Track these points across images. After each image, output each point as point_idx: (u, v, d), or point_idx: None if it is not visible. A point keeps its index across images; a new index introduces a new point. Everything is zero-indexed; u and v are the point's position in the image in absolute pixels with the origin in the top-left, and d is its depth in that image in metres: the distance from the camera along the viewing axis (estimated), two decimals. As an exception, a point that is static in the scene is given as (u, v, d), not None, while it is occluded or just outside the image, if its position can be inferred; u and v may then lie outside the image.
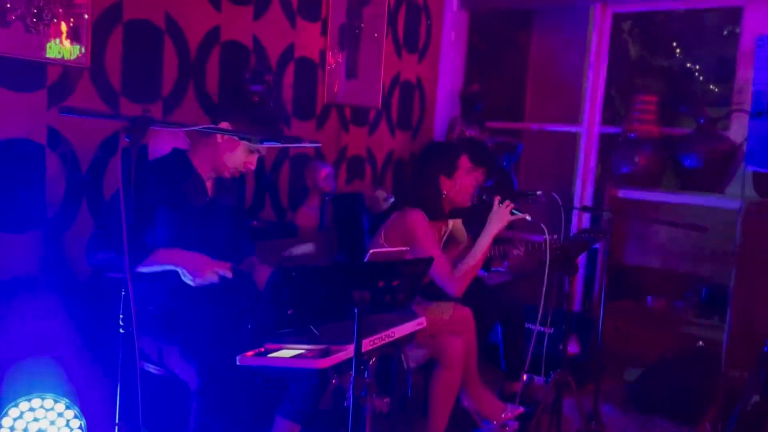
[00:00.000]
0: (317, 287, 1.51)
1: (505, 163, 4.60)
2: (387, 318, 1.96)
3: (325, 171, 3.64)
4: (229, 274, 2.01)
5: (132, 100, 2.89)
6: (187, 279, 2.02)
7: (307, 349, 1.73)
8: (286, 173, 3.72)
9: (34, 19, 2.49)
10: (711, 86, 5.71)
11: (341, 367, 1.68)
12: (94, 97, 2.74)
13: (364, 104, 4.24)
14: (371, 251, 1.64)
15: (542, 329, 3.02)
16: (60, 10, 2.56)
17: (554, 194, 3.10)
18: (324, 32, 3.86)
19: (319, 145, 1.87)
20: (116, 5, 2.77)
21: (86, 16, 2.63)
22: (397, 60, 4.51)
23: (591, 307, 4.20)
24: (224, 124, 2.17)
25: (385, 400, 1.86)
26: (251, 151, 2.20)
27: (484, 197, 2.63)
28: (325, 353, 1.68)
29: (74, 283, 2.55)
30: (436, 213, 2.69)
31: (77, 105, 2.66)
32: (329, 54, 3.91)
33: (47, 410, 2.01)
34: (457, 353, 2.55)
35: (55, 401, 2.03)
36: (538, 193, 3.18)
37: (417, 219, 2.59)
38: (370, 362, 1.84)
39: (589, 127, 4.50)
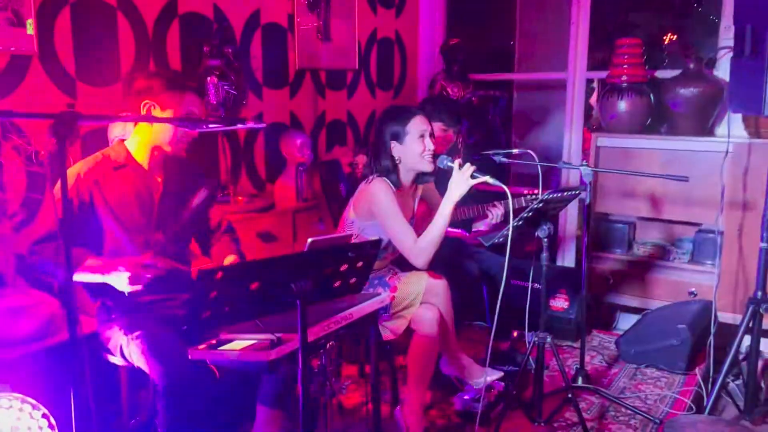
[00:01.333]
0: (250, 284, 1.46)
1: (489, 117, 4.49)
2: (347, 299, 1.92)
3: (299, 140, 3.57)
4: (146, 279, 1.95)
5: (89, 83, 2.82)
6: (122, 287, 1.99)
7: (259, 339, 1.70)
8: (261, 144, 3.66)
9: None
10: (711, 17, 5.48)
11: (294, 356, 1.65)
12: (46, 84, 2.67)
13: (339, 66, 4.13)
14: (310, 240, 1.59)
15: (527, 284, 2.96)
16: (1, -2, 2.47)
17: (529, 151, 3.02)
18: (291, -5, 3.73)
19: (264, 126, 1.79)
20: (60, -13, 2.67)
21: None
22: (372, 16, 4.36)
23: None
24: (146, 102, 2.07)
25: (345, 384, 1.84)
26: None
27: (448, 163, 2.53)
28: (275, 343, 1.64)
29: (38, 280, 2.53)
30: (398, 181, 2.60)
31: (29, 94, 2.60)
32: (298, 17, 3.78)
33: (8, 409, 2.02)
34: (433, 323, 2.51)
35: (22, 401, 2.03)
36: (514, 151, 3.10)
37: (380, 189, 2.52)
38: (327, 346, 1.81)
39: (575, 73, 4.36)
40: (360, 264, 1.69)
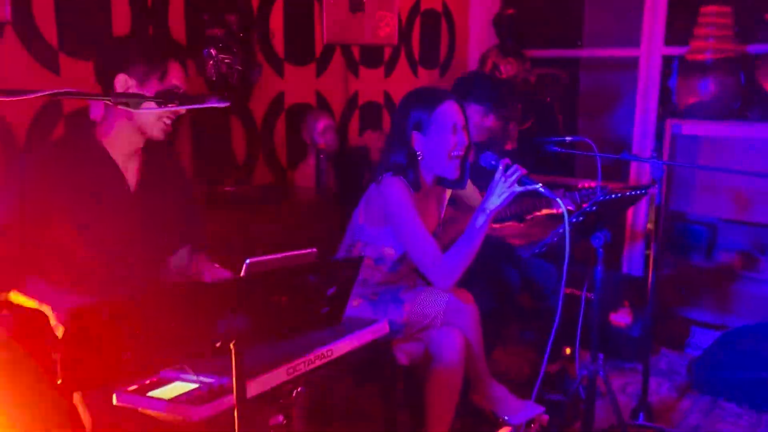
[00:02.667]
0: (157, 323, 1.06)
1: (548, 100, 3.95)
2: (331, 329, 1.49)
3: (322, 123, 3.16)
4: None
5: (75, 56, 2.48)
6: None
7: (202, 384, 1.30)
8: (282, 127, 3.26)
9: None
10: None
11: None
12: (22, 56, 2.35)
13: (375, 42, 3.68)
14: (248, 261, 1.17)
15: (580, 293, 2.46)
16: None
17: (586, 139, 2.51)
18: (318, -42, 3.30)
19: (228, 104, 1.41)
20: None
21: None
22: (416, -15, 3.88)
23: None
24: (121, 77, 1.69)
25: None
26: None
27: (493, 162, 2.02)
28: (215, 394, 1.25)
29: None
30: (417, 181, 2.12)
31: (1, 67, 2.28)
32: (327, -16, 3.35)
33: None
34: (455, 347, 2.07)
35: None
36: (567, 139, 2.59)
37: (394, 189, 2.05)
38: (294, 394, 1.40)
39: (649, 49, 3.76)
40: (332, 290, 1.27)
